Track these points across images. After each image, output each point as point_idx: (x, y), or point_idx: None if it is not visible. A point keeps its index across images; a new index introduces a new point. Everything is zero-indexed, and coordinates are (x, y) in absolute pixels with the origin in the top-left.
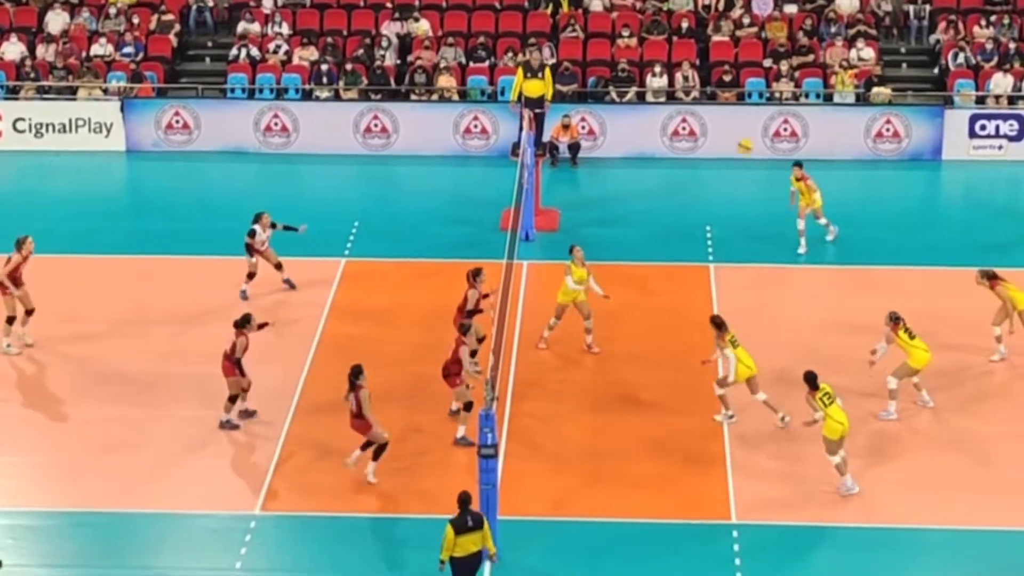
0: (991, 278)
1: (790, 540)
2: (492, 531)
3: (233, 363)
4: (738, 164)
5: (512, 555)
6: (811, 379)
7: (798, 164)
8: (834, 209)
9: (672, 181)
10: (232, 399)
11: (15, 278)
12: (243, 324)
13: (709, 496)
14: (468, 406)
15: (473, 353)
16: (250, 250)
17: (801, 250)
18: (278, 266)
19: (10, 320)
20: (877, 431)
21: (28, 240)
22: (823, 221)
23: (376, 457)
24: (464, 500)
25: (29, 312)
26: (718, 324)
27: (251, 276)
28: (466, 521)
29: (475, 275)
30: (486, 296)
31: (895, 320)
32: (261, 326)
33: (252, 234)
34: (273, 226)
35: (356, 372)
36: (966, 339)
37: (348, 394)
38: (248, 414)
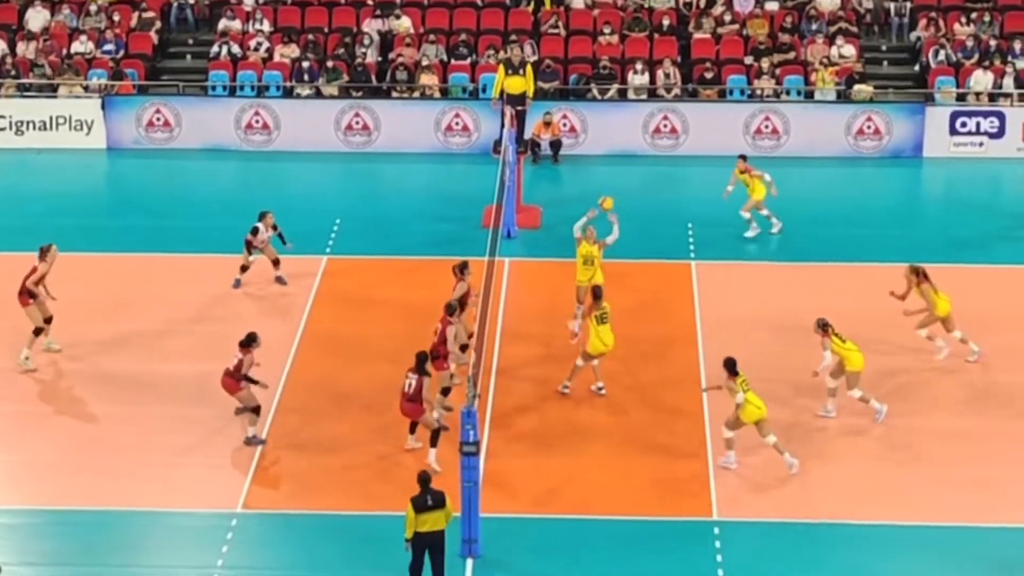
0: (920, 275)
1: (771, 536)
2: (475, 524)
3: (238, 380)
4: (720, 162)
5: (494, 552)
6: (730, 365)
7: (742, 157)
8: (815, 206)
9: (654, 178)
10: (256, 410)
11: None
12: (248, 343)
13: (691, 493)
14: (446, 391)
15: (463, 348)
16: (249, 247)
17: (749, 233)
18: (275, 262)
19: (37, 331)
20: (860, 428)
21: (53, 248)
22: (765, 213)
23: (434, 443)
24: (423, 479)
25: (47, 320)
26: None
27: (244, 269)
28: (426, 500)
29: (462, 268)
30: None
31: (824, 327)
32: (249, 378)
33: (255, 231)
34: (275, 228)
35: (423, 358)
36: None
37: (410, 375)
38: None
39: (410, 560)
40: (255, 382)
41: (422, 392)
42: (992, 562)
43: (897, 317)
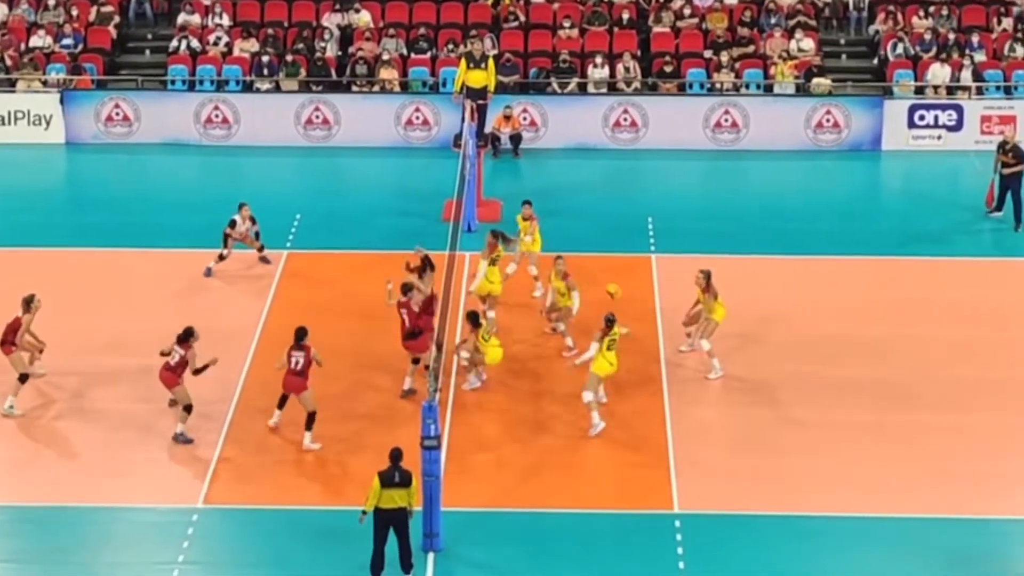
0: (708, 280)
1: (732, 529)
2: (436, 518)
3: (179, 375)
4: (680, 155)
5: (456, 546)
6: (609, 322)
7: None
8: (774, 199)
9: (614, 172)
10: (188, 408)
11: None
12: (187, 338)
13: (652, 486)
14: (416, 360)
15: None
16: (227, 240)
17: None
18: (260, 248)
19: (23, 378)
20: (816, 422)
21: (36, 299)
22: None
23: (309, 426)
24: (394, 456)
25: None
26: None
27: (222, 258)
28: (393, 476)
29: (421, 272)
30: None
31: (706, 277)
32: (200, 370)
33: (232, 224)
34: (252, 220)
35: (301, 333)
36: (904, 327)
37: (294, 352)
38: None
39: (372, 553)
40: (205, 367)
41: (308, 367)
42: (948, 553)
43: (858, 306)
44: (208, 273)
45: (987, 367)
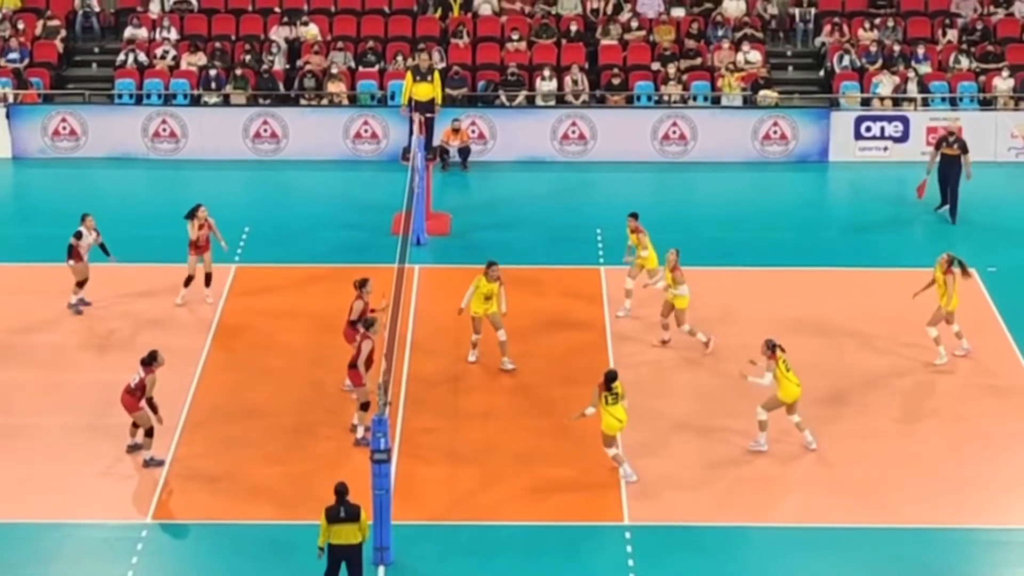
0: (772, 349)
1: (682, 540)
2: (386, 531)
3: (138, 399)
4: (628, 168)
5: (407, 559)
6: (610, 378)
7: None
8: (723, 211)
9: (562, 184)
10: (150, 432)
11: None
12: (150, 361)
13: (602, 498)
14: (365, 406)
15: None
16: (72, 252)
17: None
18: (81, 283)
19: None
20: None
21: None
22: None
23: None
24: (339, 491)
25: None
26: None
27: (81, 285)
28: (339, 512)
29: (361, 284)
30: (376, 309)
31: (772, 348)
32: (151, 401)
33: (78, 235)
34: (96, 232)
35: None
36: (851, 338)
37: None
38: (141, 454)
39: (325, 571)
40: (155, 410)
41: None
42: (902, 562)
43: (805, 319)
44: (76, 307)
45: (937, 375)
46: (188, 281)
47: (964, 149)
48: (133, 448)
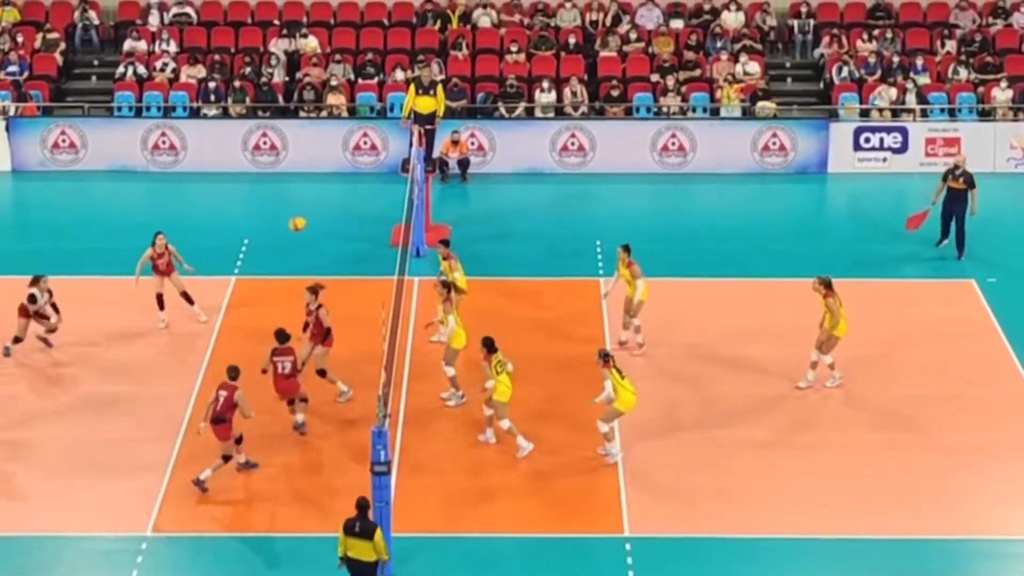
0: (827, 286)
1: (683, 551)
2: (387, 546)
3: (228, 420)
4: (627, 179)
5: (406, 571)
6: (488, 344)
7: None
8: (722, 222)
9: (562, 196)
10: (238, 440)
11: None
12: (235, 377)
13: (602, 509)
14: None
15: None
16: (24, 311)
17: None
18: (50, 329)
19: None
20: (769, 441)
21: None
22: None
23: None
24: (360, 505)
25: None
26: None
27: (18, 340)
28: (354, 525)
29: (314, 290)
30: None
31: (605, 358)
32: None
33: (32, 299)
34: (49, 292)
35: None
36: (852, 348)
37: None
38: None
39: None
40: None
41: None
42: (901, 573)
43: (804, 329)
44: (7, 353)
45: (935, 386)
46: (160, 301)
47: (971, 183)
48: (245, 466)
